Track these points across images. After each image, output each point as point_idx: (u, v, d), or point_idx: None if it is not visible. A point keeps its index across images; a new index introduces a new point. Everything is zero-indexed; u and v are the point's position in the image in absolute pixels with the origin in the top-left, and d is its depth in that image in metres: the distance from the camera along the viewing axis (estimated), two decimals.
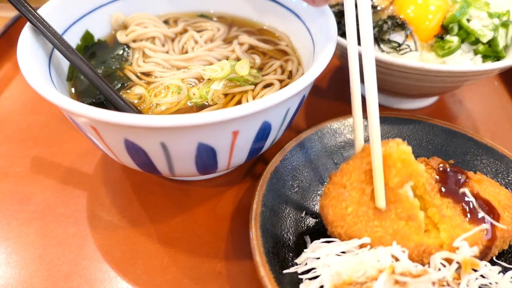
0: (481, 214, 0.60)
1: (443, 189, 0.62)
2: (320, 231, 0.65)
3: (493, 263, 0.62)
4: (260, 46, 0.82)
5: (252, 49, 0.83)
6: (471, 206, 0.60)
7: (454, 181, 0.64)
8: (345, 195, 0.59)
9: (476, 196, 0.62)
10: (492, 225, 0.59)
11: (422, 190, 0.62)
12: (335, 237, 0.59)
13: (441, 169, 0.66)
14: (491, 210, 0.60)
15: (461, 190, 0.63)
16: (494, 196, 0.62)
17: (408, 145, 0.58)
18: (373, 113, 0.60)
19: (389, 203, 0.58)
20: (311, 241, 0.61)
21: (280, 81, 0.75)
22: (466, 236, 0.56)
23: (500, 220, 0.59)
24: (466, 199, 0.61)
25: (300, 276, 0.57)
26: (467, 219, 0.59)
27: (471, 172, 0.67)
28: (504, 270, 0.60)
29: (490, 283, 0.55)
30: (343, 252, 0.56)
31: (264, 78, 0.75)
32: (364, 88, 0.62)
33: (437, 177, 0.64)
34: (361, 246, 0.57)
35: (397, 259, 0.54)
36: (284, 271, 0.57)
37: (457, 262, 0.54)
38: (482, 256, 0.58)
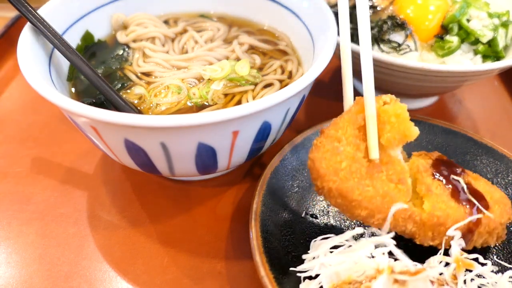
0: (469, 197, 0.59)
1: (435, 173, 0.62)
2: (320, 231, 0.66)
3: (492, 262, 0.62)
4: (260, 46, 0.82)
5: (252, 49, 0.83)
6: (461, 190, 0.60)
7: (450, 169, 0.64)
8: (340, 149, 0.56)
9: (469, 185, 0.61)
10: (478, 210, 0.58)
11: (415, 170, 0.61)
12: (321, 193, 0.57)
13: (438, 159, 0.66)
14: (482, 199, 0.60)
15: (455, 177, 0.62)
16: (488, 192, 0.62)
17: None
18: (367, 62, 0.60)
19: (381, 163, 0.56)
20: (311, 241, 0.61)
21: (280, 81, 0.75)
22: (457, 226, 0.55)
23: (489, 210, 0.58)
24: (458, 184, 0.61)
25: (298, 275, 0.57)
26: (455, 199, 0.58)
27: (469, 171, 0.67)
28: (503, 270, 0.60)
29: (489, 283, 0.55)
30: (337, 247, 0.56)
31: (264, 78, 0.75)
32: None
33: (433, 164, 0.64)
34: (372, 221, 0.56)
35: (395, 259, 0.54)
36: (288, 269, 0.57)
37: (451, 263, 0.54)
38: (465, 241, 0.57)
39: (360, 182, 0.55)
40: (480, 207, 0.58)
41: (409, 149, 0.69)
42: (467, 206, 0.58)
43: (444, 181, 0.61)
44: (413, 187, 0.59)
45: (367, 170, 0.55)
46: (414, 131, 0.56)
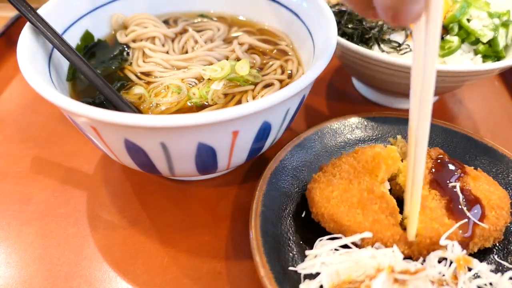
0: (464, 210, 0.60)
1: (433, 180, 0.64)
2: (320, 231, 0.65)
3: (492, 262, 0.62)
4: (260, 46, 0.82)
5: (252, 49, 0.83)
6: (457, 201, 0.61)
7: (448, 174, 0.65)
8: (333, 181, 0.63)
9: (466, 192, 0.63)
10: (473, 222, 0.59)
11: None
12: (317, 219, 0.63)
13: (438, 160, 0.67)
14: (478, 208, 0.61)
15: (452, 184, 0.64)
16: (486, 195, 0.63)
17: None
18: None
19: (375, 197, 0.61)
20: (311, 241, 0.61)
21: (280, 81, 0.75)
22: (447, 234, 0.57)
23: (484, 219, 0.60)
24: (454, 193, 0.62)
25: (299, 271, 0.57)
26: (449, 213, 0.60)
27: (471, 167, 0.68)
28: (503, 270, 0.60)
29: (489, 283, 0.55)
30: (344, 247, 0.57)
31: (264, 78, 0.75)
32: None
33: (432, 167, 0.66)
34: (363, 242, 0.57)
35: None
36: (288, 269, 0.57)
37: (451, 261, 0.54)
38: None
39: (350, 209, 0.60)
40: (475, 220, 0.59)
41: None
42: (460, 220, 0.59)
43: (440, 190, 0.63)
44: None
45: (359, 200, 0.61)
46: (402, 167, 0.65)
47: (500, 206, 0.62)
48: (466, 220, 0.59)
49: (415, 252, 0.59)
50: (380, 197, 0.61)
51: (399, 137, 0.73)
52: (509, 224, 0.66)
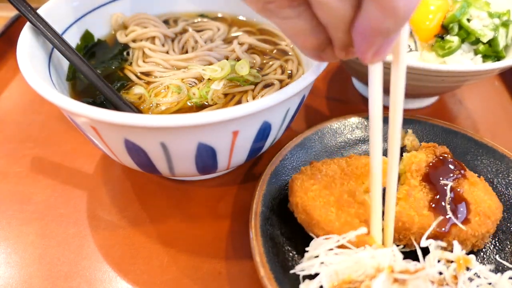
0: (446, 207, 0.60)
1: (427, 175, 0.65)
2: None
3: (492, 262, 0.62)
4: (260, 46, 0.82)
5: (252, 49, 0.83)
6: (443, 198, 0.61)
7: (445, 172, 0.65)
8: (317, 176, 0.63)
9: (456, 192, 0.62)
10: (452, 222, 0.59)
11: (407, 167, 0.65)
12: (292, 209, 0.63)
13: (441, 157, 0.67)
14: (462, 210, 0.61)
15: (444, 182, 0.64)
16: (477, 201, 0.62)
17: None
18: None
19: (355, 202, 0.60)
20: (311, 241, 0.61)
21: (280, 81, 0.75)
22: (427, 234, 0.57)
23: (466, 222, 0.59)
24: (443, 190, 0.62)
25: (298, 273, 0.57)
26: (431, 206, 0.60)
27: (474, 174, 0.67)
28: (503, 270, 0.60)
29: (490, 283, 0.55)
30: (341, 247, 0.56)
31: (264, 78, 0.75)
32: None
33: (432, 163, 0.66)
34: (358, 241, 0.57)
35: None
36: (288, 270, 0.57)
37: (451, 261, 0.54)
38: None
39: (324, 205, 0.59)
40: (453, 218, 0.59)
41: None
42: (440, 215, 0.59)
43: (431, 185, 0.63)
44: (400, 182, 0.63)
45: (337, 200, 0.60)
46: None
47: (487, 214, 0.61)
48: (445, 217, 0.59)
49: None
50: (360, 203, 0.60)
51: (410, 131, 0.73)
52: (509, 224, 0.66)
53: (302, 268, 0.56)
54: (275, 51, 0.82)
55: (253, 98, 0.71)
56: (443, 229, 0.58)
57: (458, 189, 0.63)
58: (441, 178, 0.64)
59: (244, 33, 0.85)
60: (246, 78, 0.72)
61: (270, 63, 0.79)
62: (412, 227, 0.58)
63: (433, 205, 0.60)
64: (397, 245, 0.59)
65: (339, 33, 0.42)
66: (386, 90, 0.90)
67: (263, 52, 0.82)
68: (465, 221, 0.60)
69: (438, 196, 0.61)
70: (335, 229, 0.57)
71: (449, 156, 0.68)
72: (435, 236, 0.58)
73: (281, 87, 0.73)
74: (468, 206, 0.61)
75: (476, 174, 0.68)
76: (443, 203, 0.61)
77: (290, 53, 0.81)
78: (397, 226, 0.58)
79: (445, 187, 0.63)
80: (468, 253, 0.59)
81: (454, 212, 0.60)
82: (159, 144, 0.56)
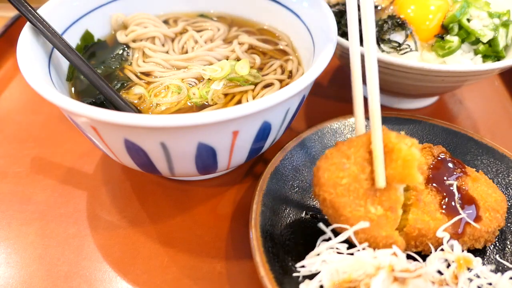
0: (458, 208, 0.60)
1: (432, 177, 0.64)
2: (320, 231, 0.65)
3: (492, 262, 0.62)
4: (260, 46, 0.82)
5: (252, 49, 0.83)
6: (452, 198, 0.61)
7: (447, 172, 0.65)
8: (345, 166, 0.58)
9: (463, 191, 0.63)
10: (465, 221, 0.59)
11: None
12: (318, 201, 0.59)
13: (440, 158, 0.67)
14: (472, 208, 0.61)
15: (450, 182, 0.64)
16: (483, 196, 0.63)
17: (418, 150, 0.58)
18: (374, 91, 0.60)
19: (379, 189, 0.58)
20: (311, 241, 0.61)
21: (280, 81, 0.75)
22: (444, 227, 0.58)
23: (478, 219, 0.60)
24: (450, 191, 0.62)
25: (298, 269, 0.57)
26: (442, 209, 0.60)
27: (472, 169, 0.68)
28: (503, 270, 0.60)
29: (490, 283, 0.55)
30: (344, 242, 0.57)
31: (264, 78, 0.75)
32: (366, 87, 0.62)
33: (432, 164, 0.66)
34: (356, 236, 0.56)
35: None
36: (288, 269, 0.57)
37: (452, 261, 0.54)
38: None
39: (354, 201, 0.57)
40: (466, 218, 0.59)
41: None
42: (453, 216, 0.59)
43: (437, 186, 0.63)
44: (404, 188, 0.61)
45: (365, 192, 0.57)
46: (416, 179, 0.56)
47: (495, 208, 0.62)
48: (459, 217, 0.59)
49: (404, 242, 0.58)
50: (383, 190, 0.58)
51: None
52: (509, 224, 0.66)
53: (303, 265, 0.56)
54: (275, 51, 0.82)
55: (253, 98, 0.71)
56: (458, 230, 0.59)
57: (464, 187, 0.63)
58: (445, 178, 0.64)
59: (244, 33, 0.85)
60: (246, 78, 0.72)
61: (270, 63, 0.79)
62: (428, 233, 0.58)
63: (445, 207, 0.60)
64: (415, 252, 0.59)
65: None
66: (386, 90, 0.88)
67: (263, 52, 0.82)
68: (477, 219, 0.60)
69: (447, 198, 0.61)
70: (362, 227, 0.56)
71: (447, 155, 0.68)
72: (451, 239, 0.58)
73: (281, 87, 0.73)
74: (476, 203, 0.62)
75: (474, 169, 0.68)
76: (453, 204, 0.61)
77: (290, 53, 0.81)
78: (414, 235, 0.58)
79: (451, 187, 0.63)
80: (474, 252, 0.60)
81: (465, 211, 0.60)
82: (159, 144, 0.56)
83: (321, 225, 0.60)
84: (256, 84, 0.73)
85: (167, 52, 0.81)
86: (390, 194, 0.58)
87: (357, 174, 0.58)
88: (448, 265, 0.55)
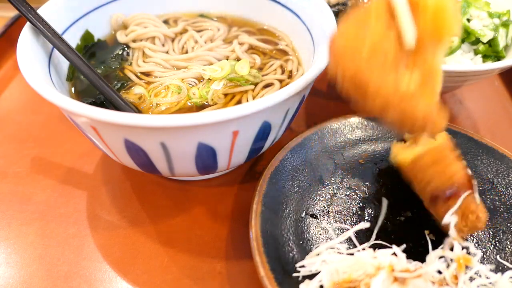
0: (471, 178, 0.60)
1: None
2: (320, 231, 0.66)
3: (492, 262, 0.62)
4: (260, 46, 0.82)
5: (252, 49, 0.83)
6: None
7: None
8: (369, 23, 0.45)
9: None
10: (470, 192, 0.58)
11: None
12: (335, 82, 0.48)
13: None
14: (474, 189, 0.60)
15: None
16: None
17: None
18: None
19: (413, 55, 0.45)
20: (311, 241, 0.61)
21: (280, 81, 0.75)
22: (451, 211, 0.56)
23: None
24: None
25: (298, 269, 0.57)
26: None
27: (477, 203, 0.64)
28: (503, 270, 0.60)
29: (490, 283, 0.55)
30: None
31: (264, 78, 0.75)
32: None
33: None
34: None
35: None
36: (288, 269, 0.57)
37: (451, 260, 0.54)
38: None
39: (382, 71, 0.44)
40: (475, 192, 0.58)
41: None
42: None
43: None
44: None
45: (394, 60, 0.44)
46: (454, 29, 0.44)
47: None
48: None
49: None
50: (421, 58, 0.45)
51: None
52: (509, 224, 0.66)
53: (303, 265, 0.57)
54: (275, 51, 0.82)
55: (253, 98, 0.71)
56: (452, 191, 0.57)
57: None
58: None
59: (244, 33, 0.85)
60: (246, 78, 0.72)
61: (270, 63, 0.79)
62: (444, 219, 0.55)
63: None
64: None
65: None
66: None
67: (263, 52, 0.82)
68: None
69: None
70: (388, 107, 0.45)
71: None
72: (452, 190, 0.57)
73: (281, 87, 0.73)
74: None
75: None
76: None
77: (290, 53, 0.81)
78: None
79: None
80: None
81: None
82: (159, 144, 0.56)
83: (324, 224, 0.60)
84: (256, 84, 0.73)
85: (167, 52, 0.81)
86: (426, 63, 0.45)
87: (384, 32, 0.44)
88: (448, 265, 0.55)
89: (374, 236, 0.64)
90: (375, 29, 0.44)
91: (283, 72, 0.77)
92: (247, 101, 0.71)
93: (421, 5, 0.43)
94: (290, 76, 0.76)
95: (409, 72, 0.44)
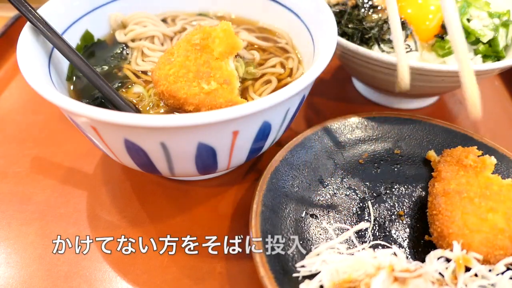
0: None
1: None
2: (320, 231, 0.66)
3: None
4: (259, 44, 0.82)
5: (251, 45, 0.82)
6: None
7: None
8: (171, 60, 0.66)
9: None
10: None
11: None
12: (161, 99, 0.67)
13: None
14: None
15: None
16: None
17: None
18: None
19: (211, 69, 0.64)
20: (311, 241, 0.61)
21: (279, 79, 0.75)
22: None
23: None
24: None
25: (299, 269, 0.57)
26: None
27: None
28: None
29: (490, 284, 0.55)
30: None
31: (263, 72, 0.75)
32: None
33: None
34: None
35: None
36: (288, 270, 0.57)
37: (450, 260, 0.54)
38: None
39: (186, 83, 0.63)
40: None
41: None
42: None
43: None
44: None
45: (195, 75, 0.64)
46: (240, 44, 0.66)
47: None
48: None
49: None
50: (214, 69, 0.64)
51: (431, 152, 0.77)
52: None
53: (303, 265, 0.57)
54: (275, 48, 0.82)
55: (254, 92, 0.72)
56: None
57: None
58: None
59: (244, 30, 0.85)
60: (243, 77, 0.73)
61: (270, 59, 0.79)
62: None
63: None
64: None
65: None
66: (386, 90, 0.89)
67: (263, 49, 0.82)
68: None
69: None
70: (201, 101, 0.62)
71: None
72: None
73: (280, 84, 0.73)
74: None
75: None
76: None
77: (290, 52, 0.81)
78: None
79: None
80: None
81: None
82: (159, 144, 0.56)
83: (324, 224, 0.60)
84: (256, 79, 0.73)
85: None
86: (222, 71, 0.64)
87: (183, 62, 0.65)
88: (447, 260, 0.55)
89: (374, 236, 0.65)
90: (176, 62, 0.65)
91: (283, 68, 0.77)
92: (247, 98, 0.71)
93: (213, 35, 0.65)
94: (290, 74, 0.76)
95: (211, 78, 0.63)
